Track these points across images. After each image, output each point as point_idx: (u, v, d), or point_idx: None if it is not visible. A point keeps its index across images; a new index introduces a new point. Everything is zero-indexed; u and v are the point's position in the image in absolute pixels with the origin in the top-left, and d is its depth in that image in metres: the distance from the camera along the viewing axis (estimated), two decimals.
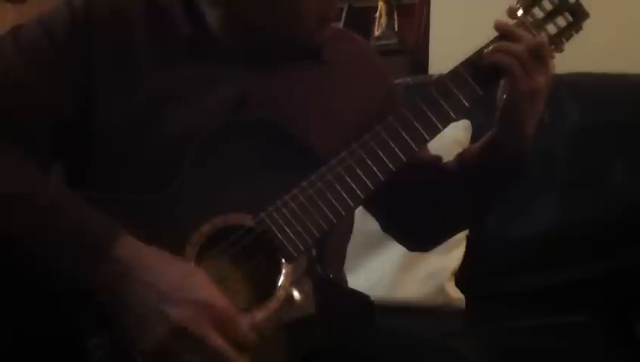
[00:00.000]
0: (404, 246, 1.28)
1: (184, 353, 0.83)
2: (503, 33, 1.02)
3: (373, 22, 2.58)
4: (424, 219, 1.16)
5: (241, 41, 1.03)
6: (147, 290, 0.84)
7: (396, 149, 0.98)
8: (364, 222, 1.26)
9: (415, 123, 0.99)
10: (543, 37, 1.04)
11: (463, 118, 1.79)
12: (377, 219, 1.23)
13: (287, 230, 0.93)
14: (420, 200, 1.13)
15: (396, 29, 2.55)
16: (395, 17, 2.56)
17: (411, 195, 1.12)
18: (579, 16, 1.07)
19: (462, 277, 1.74)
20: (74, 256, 0.85)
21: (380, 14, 2.57)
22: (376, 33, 2.56)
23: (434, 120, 1.00)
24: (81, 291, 0.85)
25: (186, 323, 0.83)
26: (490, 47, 1.01)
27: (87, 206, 0.88)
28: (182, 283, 0.85)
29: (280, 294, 0.93)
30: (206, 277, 0.87)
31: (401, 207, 1.15)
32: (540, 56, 1.00)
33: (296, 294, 0.93)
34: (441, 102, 1.00)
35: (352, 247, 1.21)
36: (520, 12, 1.05)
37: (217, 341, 0.84)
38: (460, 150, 1.15)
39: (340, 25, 2.28)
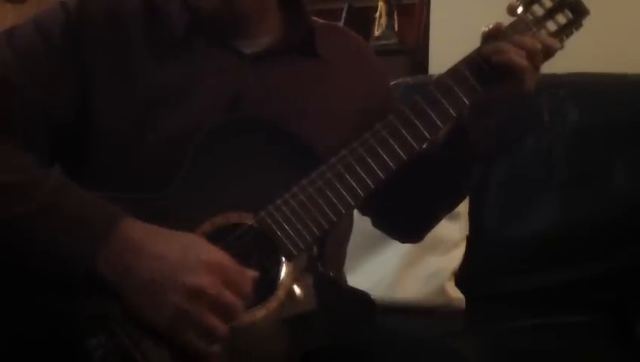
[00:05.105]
0: (395, 239, 1.30)
1: (202, 315, 0.84)
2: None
3: (373, 22, 2.58)
4: (408, 209, 1.18)
5: (235, 38, 1.03)
6: (157, 261, 0.85)
7: (396, 147, 0.98)
8: (364, 222, 1.26)
9: (415, 121, 0.99)
10: (543, 35, 1.04)
11: None
12: (367, 216, 1.24)
13: (288, 228, 0.93)
14: (402, 191, 1.13)
15: (396, 29, 2.56)
16: (395, 17, 2.57)
17: (394, 188, 1.11)
18: (579, 13, 1.07)
19: (462, 277, 1.74)
20: (79, 238, 0.85)
21: (380, 14, 2.57)
22: (376, 33, 2.56)
23: (434, 118, 1.00)
24: (81, 286, 0.84)
25: (203, 286, 0.84)
26: (500, 47, 1.01)
27: (88, 193, 0.89)
28: (189, 249, 0.86)
29: (280, 293, 0.93)
30: (206, 241, 0.89)
31: (385, 202, 1.14)
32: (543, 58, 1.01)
33: (297, 290, 0.93)
34: (442, 100, 1.00)
35: (352, 247, 1.21)
36: (520, 9, 1.05)
37: (231, 297, 0.86)
38: None
39: (341, 25, 2.28)
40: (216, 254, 0.87)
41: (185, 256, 0.86)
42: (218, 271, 0.86)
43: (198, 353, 0.85)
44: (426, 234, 1.25)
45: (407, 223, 1.23)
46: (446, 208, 1.22)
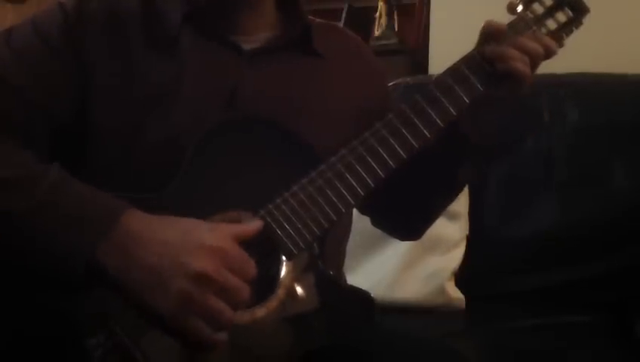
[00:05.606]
0: (395, 237, 1.30)
1: (206, 298, 0.84)
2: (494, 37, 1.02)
3: (373, 22, 2.59)
4: (406, 205, 1.18)
5: (233, 33, 1.03)
6: (158, 247, 0.85)
7: (396, 146, 0.98)
8: (363, 221, 1.26)
9: (415, 120, 0.99)
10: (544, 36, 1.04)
11: None
12: (367, 215, 1.24)
13: (288, 227, 0.93)
14: (400, 187, 1.12)
15: (396, 29, 2.56)
16: (395, 17, 2.57)
17: (393, 185, 1.11)
18: (579, 11, 1.06)
19: (462, 277, 1.74)
20: (78, 235, 0.84)
21: (380, 14, 2.58)
22: (376, 33, 2.57)
23: (434, 116, 1.00)
24: (82, 281, 0.84)
25: (206, 270, 0.84)
26: (505, 53, 1.00)
27: (89, 187, 0.89)
28: (190, 233, 0.86)
29: (280, 292, 0.93)
30: (208, 226, 0.89)
31: (384, 199, 1.14)
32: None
33: (299, 289, 0.93)
34: (442, 98, 1.00)
35: (352, 247, 1.21)
36: (520, 7, 1.04)
37: (237, 282, 0.86)
38: None
39: (340, 25, 2.28)
40: (218, 239, 0.87)
41: (186, 240, 0.85)
42: (220, 255, 0.85)
43: (204, 340, 0.84)
44: (425, 230, 1.25)
45: (406, 220, 1.23)
46: (443, 202, 1.21)
